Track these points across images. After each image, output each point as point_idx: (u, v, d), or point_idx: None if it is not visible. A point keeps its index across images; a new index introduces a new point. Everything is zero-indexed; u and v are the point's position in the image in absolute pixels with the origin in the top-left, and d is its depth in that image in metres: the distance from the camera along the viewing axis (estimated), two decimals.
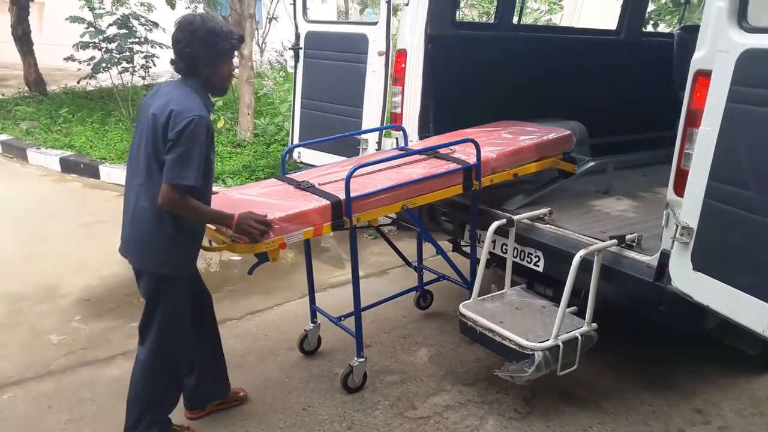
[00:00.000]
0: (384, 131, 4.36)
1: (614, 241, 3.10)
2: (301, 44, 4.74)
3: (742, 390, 3.51)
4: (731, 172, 2.37)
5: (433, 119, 4.26)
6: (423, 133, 4.28)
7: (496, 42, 4.76)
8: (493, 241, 3.62)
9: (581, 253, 2.97)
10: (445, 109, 4.27)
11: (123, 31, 8.97)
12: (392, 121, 4.35)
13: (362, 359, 3.37)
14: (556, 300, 3.46)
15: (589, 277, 3.06)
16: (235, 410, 3.21)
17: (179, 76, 2.60)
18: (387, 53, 4.18)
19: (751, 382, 3.58)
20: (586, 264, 3.00)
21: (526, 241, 3.51)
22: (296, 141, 4.92)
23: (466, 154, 3.54)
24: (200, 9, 9.65)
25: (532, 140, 3.81)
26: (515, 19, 4.98)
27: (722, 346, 3.41)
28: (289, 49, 4.85)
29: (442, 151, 3.58)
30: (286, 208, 2.89)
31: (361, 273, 4.73)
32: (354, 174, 2.99)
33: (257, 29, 8.30)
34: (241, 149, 7.72)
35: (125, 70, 9.19)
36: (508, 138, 3.88)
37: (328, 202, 2.98)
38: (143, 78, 9.39)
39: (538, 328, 3.08)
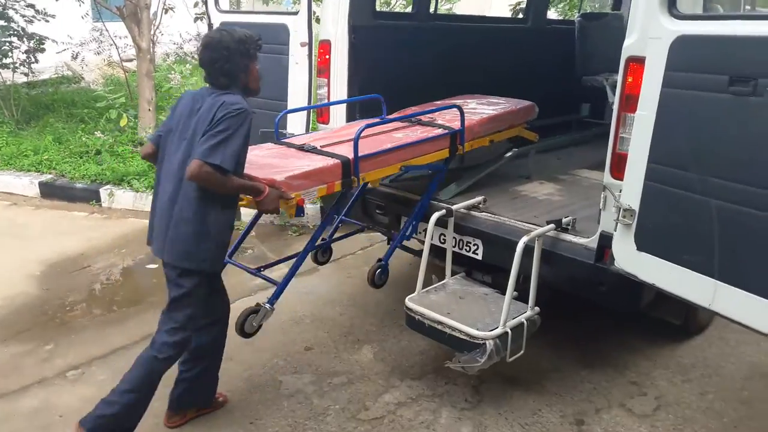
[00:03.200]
0: (311, 123, 4.21)
1: (552, 225, 3.17)
2: None
3: (668, 358, 3.71)
4: (670, 155, 2.47)
5: (359, 110, 4.18)
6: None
7: (414, 31, 4.74)
8: (434, 223, 3.60)
9: (524, 239, 3.01)
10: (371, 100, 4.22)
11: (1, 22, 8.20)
12: (319, 114, 4.23)
13: (272, 308, 3.10)
14: (495, 286, 3.51)
15: (529, 262, 3.11)
16: (176, 429, 3.00)
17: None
18: (310, 44, 4.04)
19: (675, 350, 3.80)
20: (526, 250, 3.05)
21: (465, 230, 3.52)
22: None
23: (448, 121, 3.72)
24: None
25: (504, 109, 4.05)
26: (432, 9, 4.98)
27: (647, 318, 3.61)
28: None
29: (424, 119, 3.77)
30: (300, 167, 2.99)
31: (282, 272, 4.62)
32: (347, 139, 3.18)
33: (153, 20, 7.82)
34: (139, 149, 7.25)
35: (4, 66, 8.41)
36: (481, 107, 4.08)
37: (338, 160, 3.08)
38: (26, 75, 8.64)
39: (485, 316, 3.10)
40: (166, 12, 8.68)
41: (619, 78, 2.77)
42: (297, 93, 4.12)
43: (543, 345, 3.70)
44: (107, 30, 9.37)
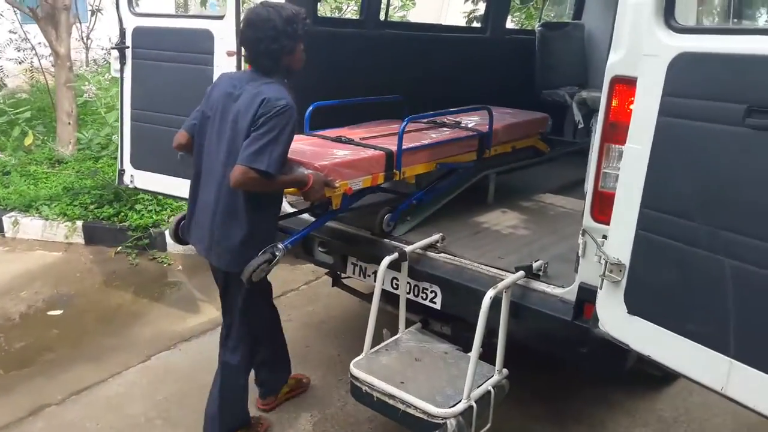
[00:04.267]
0: None
1: (522, 273, 2.68)
2: (128, 42, 3.87)
3: (649, 412, 3.30)
4: (669, 199, 2.00)
5: (300, 124, 3.63)
6: None
7: (362, 40, 4.25)
8: (385, 270, 3.08)
9: (490, 294, 2.51)
10: (311, 113, 3.69)
11: None
12: None
13: (286, 249, 2.73)
14: (456, 339, 3.02)
15: (496, 316, 2.62)
16: None
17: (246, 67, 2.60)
18: (238, 53, 3.46)
19: (654, 402, 3.39)
20: (493, 302, 2.56)
21: (421, 275, 3.01)
22: (126, 161, 4.03)
23: (477, 125, 3.79)
24: None
25: (524, 118, 4.09)
26: (382, 16, 4.48)
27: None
28: (112, 48, 3.95)
29: (449, 121, 3.84)
30: (345, 155, 2.98)
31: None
32: (383, 134, 3.35)
33: (78, 23, 7.05)
34: (61, 167, 6.50)
35: None
36: (498, 116, 3.92)
37: (382, 152, 3.10)
38: None
39: (445, 385, 2.58)
40: (93, 14, 7.96)
41: (603, 100, 2.31)
42: None
43: (509, 402, 3.19)
44: (25, 33, 8.51)
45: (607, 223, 2.30)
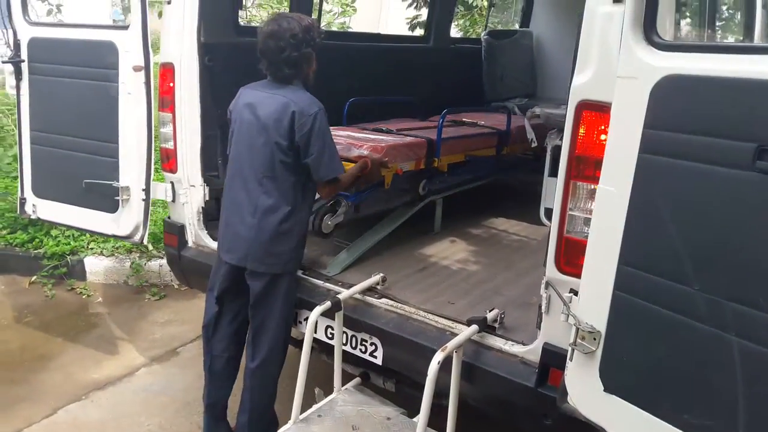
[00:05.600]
0: (152, 172, 3.12)
1: (475, 327, 2.30)
2: (24, 56, 3.33)
3: None
4: (657, 257, 1.65)
5: (222, 152, 3.17)
6: (210, 173, 3.18)
7: None
8: (315, 323, 2.66)
9: (438, 357, 2.13)
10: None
11: None
12: (164, 159, 3.18)
13: (350, 204, 3.14)
14: (400, 396, 2.63)
15: (445, 377, 2.23)
16: None
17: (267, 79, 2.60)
18: (147, 68, 2.98)
19: None
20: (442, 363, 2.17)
21: (359, 325, 2.61)
22: (27, 188, 3.49)
23: (495, 125, 4.01)
24: None
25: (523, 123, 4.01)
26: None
27: None
28: (4, 62, 3.40)
29: (468, 120, 4.06)
30: (391, 140, 3.21)
31: (141, 357, 3.56)
32: (413, 127, 3.66)
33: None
34: None
35: None
36: (502, 119, 4.04)
37: (423, 139, 3.35)
38: None
39: None
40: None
41: (567, 130, 1.95)
42: (131, 132, 3.04)
43: None
44: None
45: (576, 275, 1.95)
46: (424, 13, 7.41)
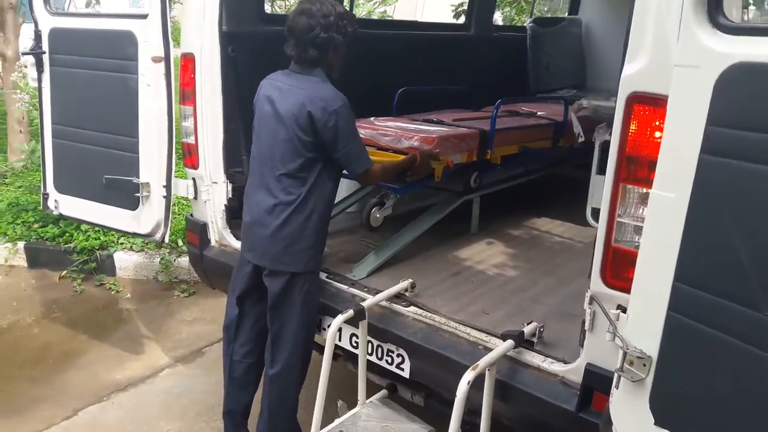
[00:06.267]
0: (173, 168, 3.00)
1: (510, 343, 2.08)
2: (45, 47, 3.25)
3: None
4: (721, 276, 1.40)
5: (246, 148, 3.03)
6: (233, 169, 3.04)
7: None
8: (339, 330, 2.49)
9: (468, 377, 1.93)
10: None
11: None
12: (185, 154, 3.06)
13: (397, 196, 3.08)
14: (430, 412, 2.44)
15: (478, 394, 2.04)
16: None
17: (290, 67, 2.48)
18: (167, 59, 2.85)
19: None
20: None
21: (385, 335, 2.42)
22: (49, 183, 3.42)
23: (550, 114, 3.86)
24: None
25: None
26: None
27: None
28: (25, 53, 3.33)
29: (523, 111, 3.90)
30: (443, 132, 3.08)
31: (165, 357, 3.47)
32: (464, 118, 3.54)
33: (23, 23, 6.40)
34: (6, 181, 5.88)
35: None
36: (557, 110, 3.86)
37: (476, 130, 3.21)
38: None
39: None
40: None
41: (616, 125, 1.72)
42: (151, 126, 2.92)
43: None
44: None
45: (624, 290, 1.72)
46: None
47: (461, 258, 3.03)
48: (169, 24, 2.80)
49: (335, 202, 2.71)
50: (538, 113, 3.92)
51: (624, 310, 1.73)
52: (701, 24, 1.43)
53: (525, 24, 5.45)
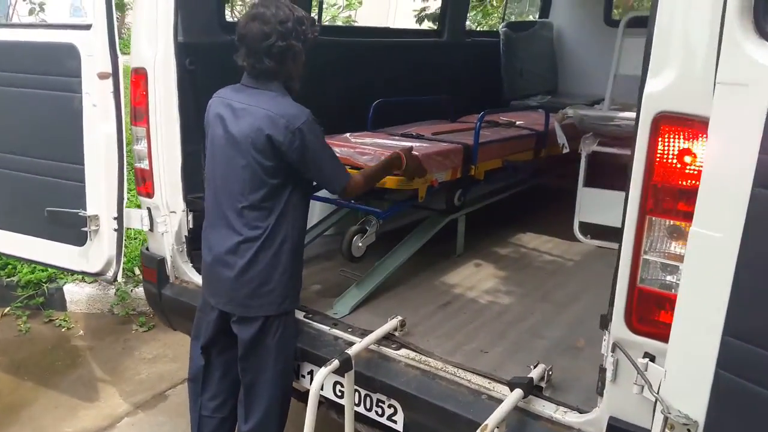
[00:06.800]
0: (125, 197, 2.68)
1: (519, 393, 1.85)
2: None
3: None
4: None
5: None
6: (193, 195, 2.74)
7: None
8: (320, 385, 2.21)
9: None
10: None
11: None
12: (138, 182, 2.75)
13: (380, 222, 2.77)
14: None
15: None
16: None
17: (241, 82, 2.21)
18: (115, 75, 2.53)
19: None
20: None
21: (374, 384, 2.16)
22: None
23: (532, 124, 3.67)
24: None
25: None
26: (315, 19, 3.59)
27: None
28: None
29: (502, 121, 3.73)
30: (426, 147, 2.87)
31: (124, 404, 3.15)
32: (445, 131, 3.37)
33: None
34: None
35: None
36: (536, 118, 3.71)
37: (459, 145, 3.01)
38: None
39: None
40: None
41: (639, 150, 1.50)
42: (99, 151, 2.59)
43: None
44: None
45: (652, 336, 1.51)
46: (433, 4, 6.96)
47: (450, 285, 2.79)
48: (117, 35, 2.50)
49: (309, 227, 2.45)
50: (517, 123, 3.73)
51: (653, 359, 1.52)
52: (747, 34, 1.22)
53: (498, 29, 5.27)
